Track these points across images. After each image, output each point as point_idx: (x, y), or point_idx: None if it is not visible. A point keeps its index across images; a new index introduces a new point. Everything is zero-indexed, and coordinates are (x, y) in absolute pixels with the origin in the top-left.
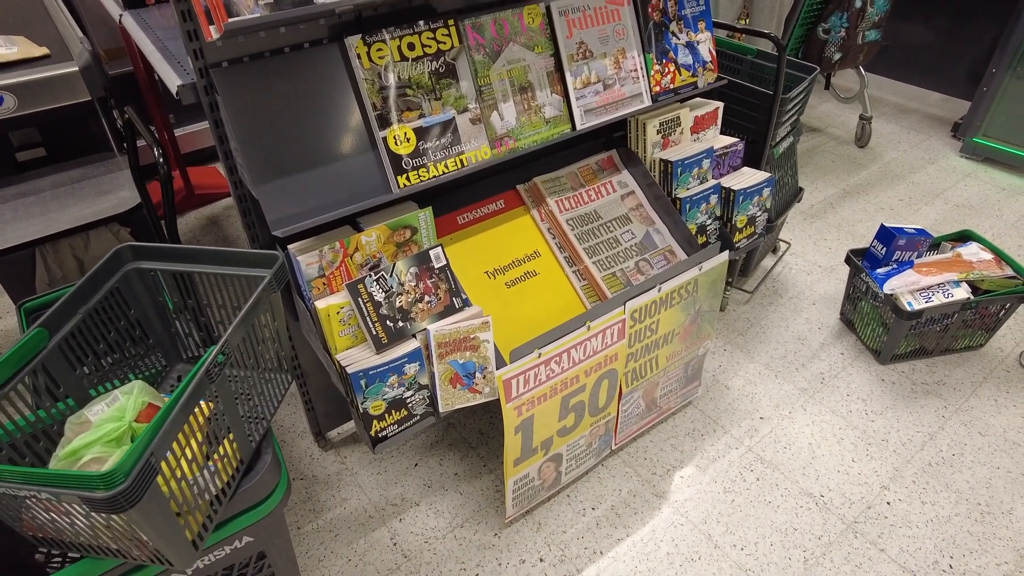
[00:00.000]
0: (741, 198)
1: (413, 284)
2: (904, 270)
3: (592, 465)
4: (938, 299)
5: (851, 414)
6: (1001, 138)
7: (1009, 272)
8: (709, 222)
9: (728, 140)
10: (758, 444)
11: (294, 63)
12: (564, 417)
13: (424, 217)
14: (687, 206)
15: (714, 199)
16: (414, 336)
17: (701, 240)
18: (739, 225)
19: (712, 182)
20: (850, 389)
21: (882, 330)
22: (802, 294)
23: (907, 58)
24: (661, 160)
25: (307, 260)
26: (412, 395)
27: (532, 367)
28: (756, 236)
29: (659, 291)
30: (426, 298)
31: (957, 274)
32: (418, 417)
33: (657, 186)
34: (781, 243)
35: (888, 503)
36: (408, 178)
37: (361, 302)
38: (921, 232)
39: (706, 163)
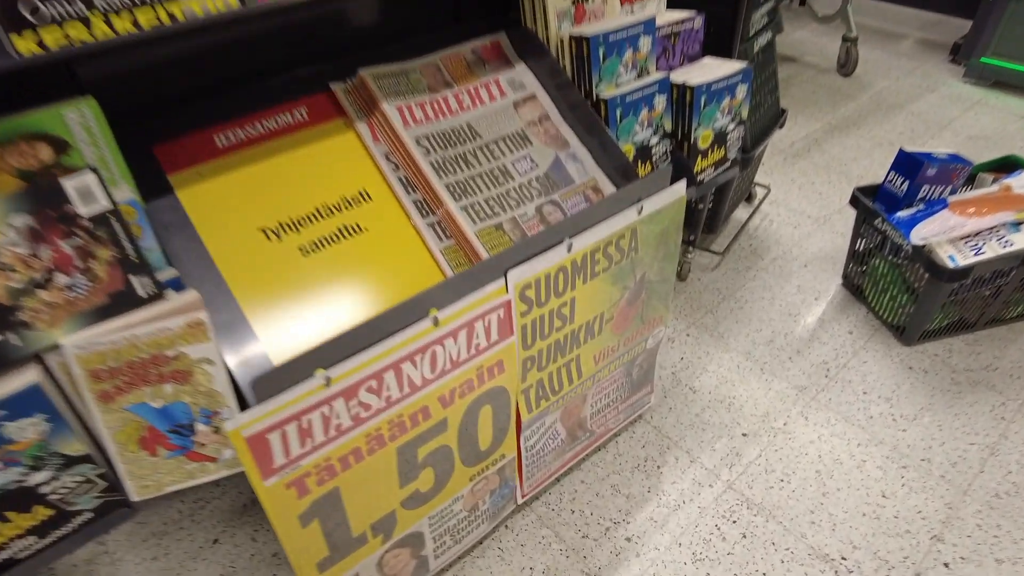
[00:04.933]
0: (703, 99)
1: (25, 252)
2: (937, 211)
3: (485, 533)
4: (991, 250)
5: (872, 422)
6: (1015, 56)
7: None
8: (654, 141)
9: (681, 14)
10: (742, 477)
11: None
12: (410, 478)
13: (77, 118)
14: (616, 112)
15: (660, 102)
16: (37, 359)
17: (643, 172)
18: (701, 145)
19: (657, 75)
20: (867, 384)
21: (907, 298)
22: (789, 253)
23: None
24: (572, 39)
25: None
26: (50, 480)
27: (313, 406)
28: (727, 165)
29: (569, 248)
30: (59, 279)
31: (1015, 213)
32: (83, 518)
33: (573, 88)
34: (757, 188)
35: (946, 565)
36: (40, 37)
37: None
38: (955, 159)
39: (644, 43)
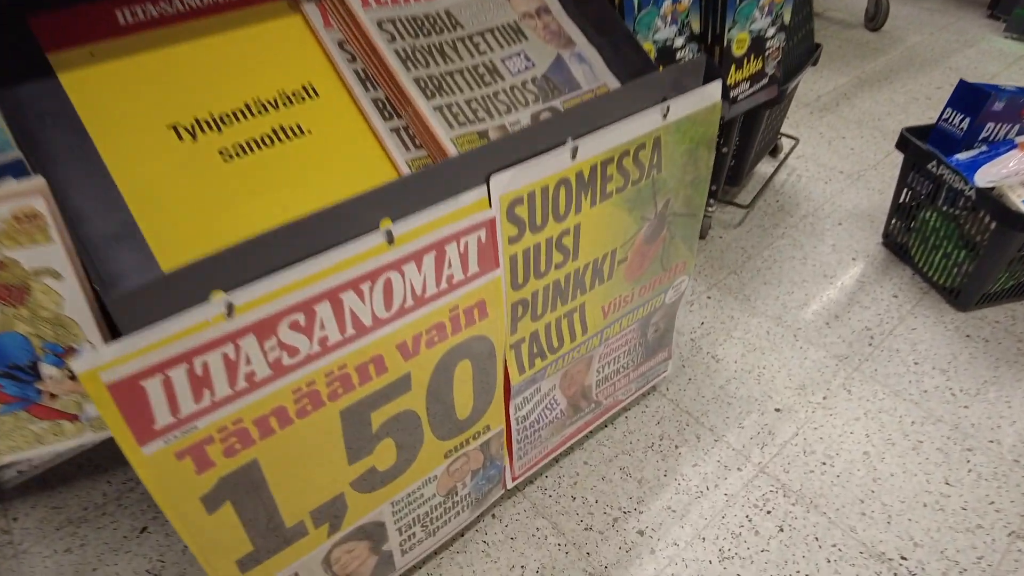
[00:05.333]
0: None
1: None
2: (1004, 152)
3: (466, 523)
4: None
5: (927, 396)
6: None
7: None
8: (679, 42)
9: None
10: (776, 459)
11: None
12: (363, 452)
13: None
14: (634, 1)
15: None
16: None
17: None
18: (735, 51)
19: None
20: (918, 354)
21: (964, 255)
22: (821, 210)
23: None
24: None
25: None
26: None
27: (209, 344)
28: (764, 82)
29: (574, 155)
30: None
31: None
32: None
33: None
34: (784, 139)
35: None
36: None
37: None
38: None
39: None
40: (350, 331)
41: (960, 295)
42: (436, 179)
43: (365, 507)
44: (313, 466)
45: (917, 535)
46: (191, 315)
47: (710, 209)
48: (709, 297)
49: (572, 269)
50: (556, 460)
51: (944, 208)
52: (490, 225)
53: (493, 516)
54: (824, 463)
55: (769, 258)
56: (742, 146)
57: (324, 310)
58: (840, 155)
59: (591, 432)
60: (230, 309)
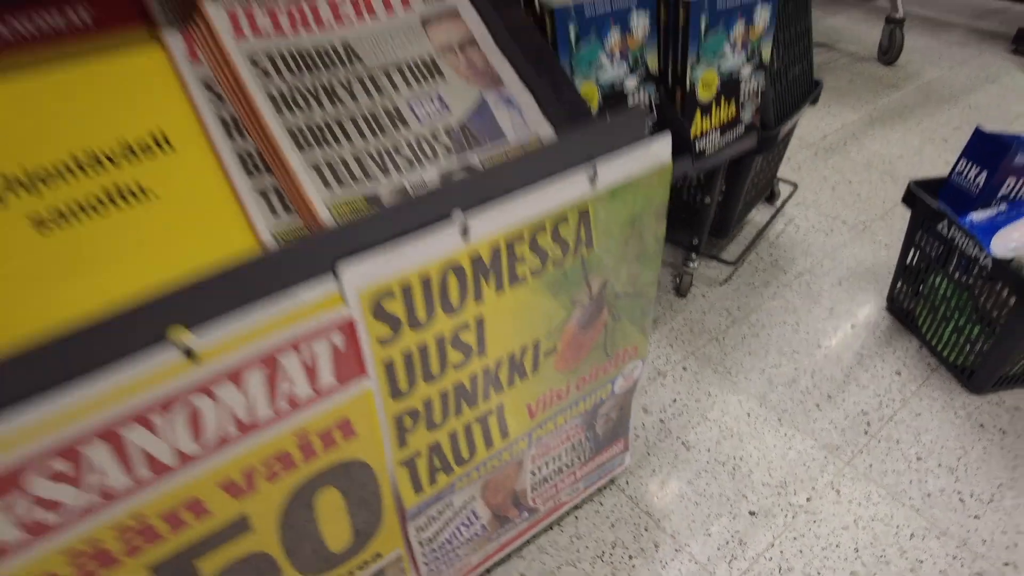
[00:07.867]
0: (703, 21)
1: None
2: None
3: None
4: None
5: (931, 501)
6: None
7: None
8: (632, 83)
9: None
10: None
11: None
12: None
13: None
14: (569, 31)
15: (641, 24)
16: None
17: None
18: (701, 95)
19: None
20: (922, 446)
21: (979, 330)
22: (819, 267)
23: None
24: None
25: None
26: None
27: None
28: (740, 131)
29: (465, 232)
30: None
31: None
32: None
33: (518, 5)
34: (782, 184)
35: None
36: None
37: None
38: None
39: None
40: (143, 473)
41: (974, 376)
42: (253, 276)
43: None
44: None
45: None
46: None
47: (692, 265)
48: (685, 368)
49: (480, 368)
50: (488, 571)
51: (956, 275)
52: (347, 327)
53: None
54: None
55: (757, 323)
56: (729, 195)
57: (97, 452)
58: (844, 202)
59: (534, 536)
60: None
